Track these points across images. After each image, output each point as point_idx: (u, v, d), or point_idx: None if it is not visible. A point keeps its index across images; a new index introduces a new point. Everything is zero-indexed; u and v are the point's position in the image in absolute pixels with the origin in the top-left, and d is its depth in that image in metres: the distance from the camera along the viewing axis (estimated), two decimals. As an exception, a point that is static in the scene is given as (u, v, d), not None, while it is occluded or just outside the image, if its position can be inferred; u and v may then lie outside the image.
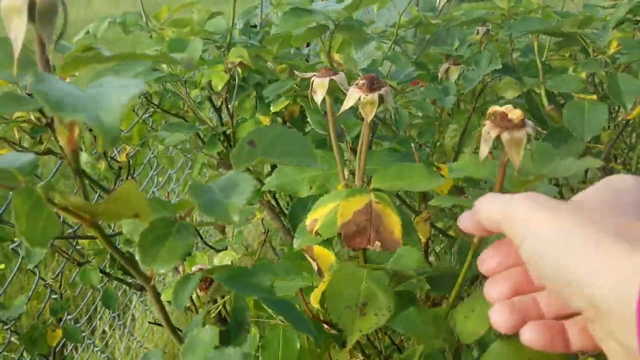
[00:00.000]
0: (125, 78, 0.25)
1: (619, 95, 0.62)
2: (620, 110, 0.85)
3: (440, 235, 1.09)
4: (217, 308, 0.51)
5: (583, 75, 0.71)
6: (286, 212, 1.05)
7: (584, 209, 0.31)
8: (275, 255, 1.48)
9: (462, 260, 0.53)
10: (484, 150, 0.36)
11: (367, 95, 0.47)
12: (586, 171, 1.22)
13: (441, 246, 1.18)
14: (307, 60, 1.08)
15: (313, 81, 0.51)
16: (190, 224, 0.33)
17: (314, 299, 0.52)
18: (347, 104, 0.48)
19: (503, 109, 0.35)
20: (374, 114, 0.48)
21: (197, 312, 0.50)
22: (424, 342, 0.43)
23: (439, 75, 0.83)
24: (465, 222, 0.37)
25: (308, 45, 1.28)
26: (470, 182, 0.77)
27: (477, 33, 1.05)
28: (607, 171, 0.73)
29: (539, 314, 0.35)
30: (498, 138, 0.35)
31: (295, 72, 0.59)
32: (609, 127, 0.84)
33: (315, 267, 0.53)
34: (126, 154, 0.84)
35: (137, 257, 0.30)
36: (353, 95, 0.48)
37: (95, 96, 0.23)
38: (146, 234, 0.31)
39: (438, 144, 0.88)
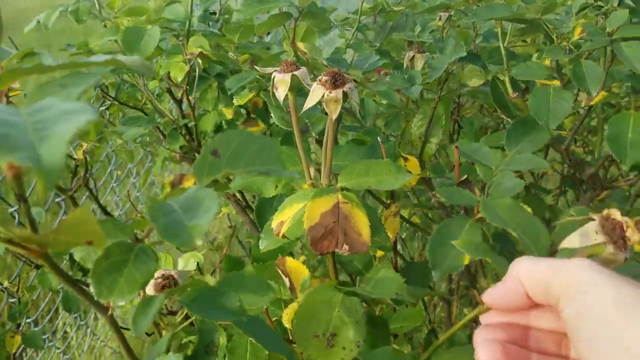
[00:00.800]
0: (72, 101, 0.22)
1: (583, 81, 0.62)
2: (579, 93, 0.86)
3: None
4: (182, 325, 0.48)
5: (547, 62, 0.71)
6: (252, 205, 1.03)
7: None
8: (242, 249, 1.46)
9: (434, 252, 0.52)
10: (573, 242, 0.32)
11: (330, 92, 0.45)
12: (546, 155, 1.24)
13: (405, 234, 1.18)
14: (268, 49, 1.05)
15: (274, 77, 0.49)
16: (150, 248, 0.31)
17: (286, 319, 0.50)
18: (311, 101, 0.47)
19: (623, 220, 0.31)
20: (339, 110, 0.46)
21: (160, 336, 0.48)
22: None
23: (405, 64, 0.82)
24: (494, 295, 0.33)
25: (269, 33, 1.25)
26: (438, 173, 0.76)
27: (439, 19, 1.04)
28: (571, 159, 0.73)
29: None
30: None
31: (255, 66, 0.56)
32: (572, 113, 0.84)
33: (288, 283, 0.51)
34: (83, 151, 0.80)
35: (91, 289, 0.27)
36: (316, 92, 0.46)
37: (35, 126, 0.20)
38: (101, 262, 0.29)
39: (404, 133, 0.87)
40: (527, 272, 0.32)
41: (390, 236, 0.59)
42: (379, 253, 0.64)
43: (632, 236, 0.30)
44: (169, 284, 0.54)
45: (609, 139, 0.61)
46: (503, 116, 0.78)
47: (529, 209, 0.54)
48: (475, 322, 0.38)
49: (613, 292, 0.28)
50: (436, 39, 1.07)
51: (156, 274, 0.56)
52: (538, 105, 0.63)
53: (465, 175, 0.54)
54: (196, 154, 0.98)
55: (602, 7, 0.65)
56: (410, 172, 0.56)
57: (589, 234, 0.31)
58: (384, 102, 0.91)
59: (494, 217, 0.45)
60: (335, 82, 0.45)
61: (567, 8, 0.81)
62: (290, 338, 0.55)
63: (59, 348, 1.49)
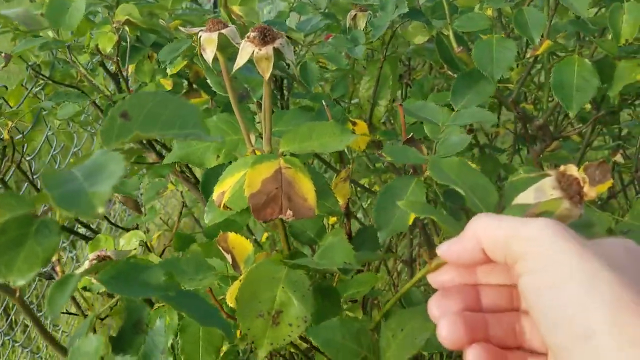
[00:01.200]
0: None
1: (525, 29, 0.61)
2: (528, 47, 0.85)
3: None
4: (112, 308, 0.45)
5: (489, 12, 0.69)
6: (203, 180, 0.99)
7: (608, 257, 0.27)
8: (200, 227, 1.42)
9: (379, 213, 0.50)
10: (527, 198, 0.30)
11: (260, 49, 0.42)
12: (499, 115, 1.24)
13: (368, 202, 1.17)
14: (214, 5, 1.00)
15: (200, 37, 0.45)
16: (53, 221, 0.28)
17: (230, 298, 0.48)
18: (240, 60, 0.43)
19: (579, 176, 0.30)
20: (271, 69, 0.43)
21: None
22: (340, 360, 0.39)
23: (347, 24, 0.79)
24: (450, 251, 0.32)
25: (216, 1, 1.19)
26: (388, 136, 0.74)
27: (385, -22, 1.01)
28: (519, 111, 0.73)
29: (486, 336, 0.32)
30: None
31: (180, 28, 0.52)
32: (517, 65, 0.83)
33: (230, 260, 0.49)
34: (8, 131, 0.75)
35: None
36: (246, 50, 0.43)
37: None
38: (-2, 239, 0.25)
39: (353, 97, 0.84)
40: (486, 230, 0.30)
41: (341, 202, 0.57)
42: (332, 220, 0.63)
43: (588, 192, 0.30)
44: (102, 258, 0.51)
45: (555, 86, 0.61)
46: (449, 72, 0.77)
47: (482, 168, 0.53)
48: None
49: (576, 269, 0.26)
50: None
51: (91, 255, 0.52)
52: (481, 55, 0.61)
53: (412, 134, 0.53)
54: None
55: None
56: (355, 132, 0.53)
57: (545, 190, 0.30)
58: (334, 67, 0.88)
59: (441, 175, 0.43)
60: (265, 37, 0.42)
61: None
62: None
63: (17, 342, 1.43)
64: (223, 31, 0.44)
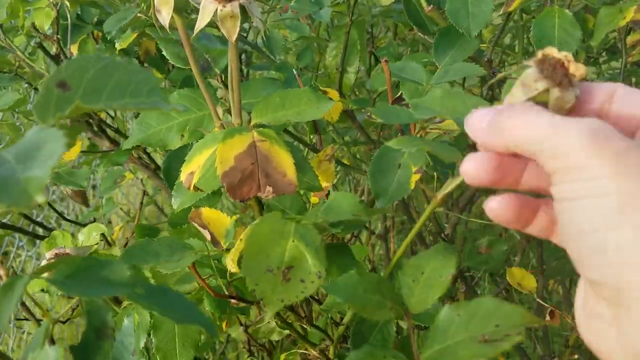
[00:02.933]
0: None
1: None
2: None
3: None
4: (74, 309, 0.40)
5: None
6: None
7: None
8: (165, 216, 1.35)
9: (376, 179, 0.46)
10: (516, 97, 0.27)
11: (224, 6, 0.37)
12: (464, 79, 1.21)
13: (337, 176, 1.13)
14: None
15: (154, -2, 0.40)
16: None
17: (232, 262, 0.43)
18: (202, 20, 0.38)
19: (562, 56, 0.26)
20: (237, 30, 0.38)
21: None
22: (368, 314, 0.35)
23: (309, -13, 0.74)
24: (479, 128, 0.28)
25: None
26: (361, 104, 0.70)
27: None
28: (494, 71, 0.69)
29: (516, 181, 0.29)
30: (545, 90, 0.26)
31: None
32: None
33: (208, 236, 0.44)
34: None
35: None
36: (208, 8, 0.38)
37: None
38: None
39: (319, 66, 0.79)
40: (519, 131, 0.26)
41: (326, 183, 0.53)
42: (313, 199, 0.58)
43: (576, 71, 0.26)
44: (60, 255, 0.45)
45: (535, 40, 0.57)
46: (420, 34, 0.73)
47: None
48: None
49: (616, 187, 0.23)
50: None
51: (48, 254, 0.47)
52: (456, 11, 0.57)
53: (400, 92, 0.48)
54: (90, 117, 0.86)
55: None
56: (332, 99, 0.49)
57: (529, 84, 0.27)
58: (294, 35, 0.83)
59: (426, 112, 0.40)
60: (229, -8, 0.36)
61: None
62: (234, 293, 0.48)
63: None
64: (179, -12, 0.39)
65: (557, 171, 0.25)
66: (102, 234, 0.56)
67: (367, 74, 1.08)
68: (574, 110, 0.27)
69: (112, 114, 0.97)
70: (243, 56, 0.94)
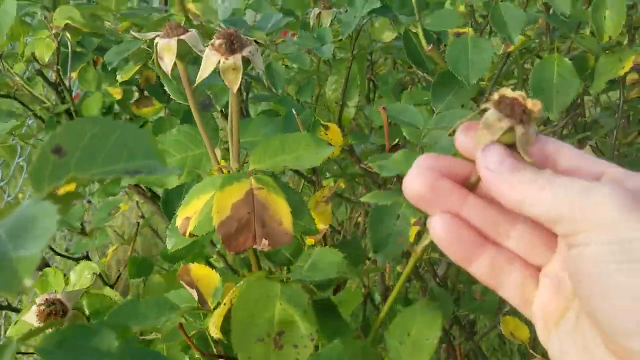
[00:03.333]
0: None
1: (503, 27, 0.57)
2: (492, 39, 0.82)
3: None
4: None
5: (462, 8, 0.65)
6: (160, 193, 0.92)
7: None
8: (159, 238, 1.35)
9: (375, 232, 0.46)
10: (485, 139, 0.27)
11: (227, 58, 0.36)
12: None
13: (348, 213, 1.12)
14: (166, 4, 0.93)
15: (157, 44, 0.39)
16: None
17: (214, 327, 0.42)
18: (204, 71, 0.38)
19: (517, 95, 0.26)
20: (240, 80, 0.38)
21: None
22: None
23: (311, 22, 0.74)
24: (497, 170, 0.26)
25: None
26: (360, 139, 0.70)
27: (344, -29, 0.96)
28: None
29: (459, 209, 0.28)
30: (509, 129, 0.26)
31: (133, 33, 0.46)
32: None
33: (196, 296, 0.43)
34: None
35: None
36: (210, 60, 0.37)
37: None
38: None
39: (319, 99, 0.79)
40: (527, 190, 0.26)
41: (322, 226, 0.52)
42: (309, 241, 0.57)
43: (534, 107, 0.27)
44: (55, 311, 0.45)
45: (534, 87, 0.57)
46: (419, 71, 0.73)
47: None
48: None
49: None
50: (342, -6, 0.99)
51: (38, 299, 0.46)
52: (456, 58, 0.57)
53: (397, 140, 0.48)
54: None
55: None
56: (331, 144, 0.49)
57: (494, 124, 0.27)
58: (295, 66, 0.83)
59: (391, 172, 0.40)
60: (232, 45, 0.36)
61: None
62: (222, 352, 0.47)
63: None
64: (183, 37, 0.39)
65: (581, 231, 0.24)
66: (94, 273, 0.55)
67: (366, 100, 1.09)
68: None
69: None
70: (243, 82, 0.94)
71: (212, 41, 0.37)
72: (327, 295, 0.50)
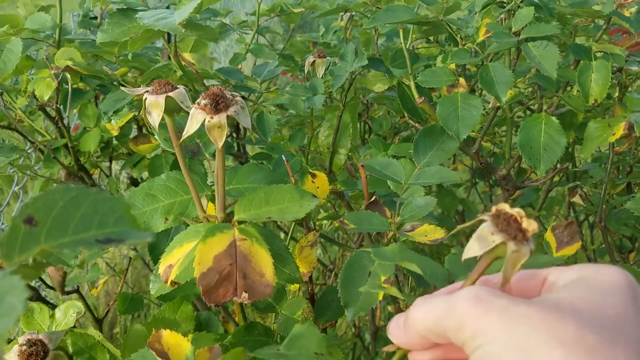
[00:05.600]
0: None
1: (491, 86, 0.59)
2: (485, 93, 0.84)
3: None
4: None
5: (453, 66, 0.67)
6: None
7: (549, 312, 0.25)
8: (149, 270, 1.34)
9: (345, 290, 0.46)
10: (473, 250, 0.28)
11: (212, 117, 0.38)
12: (455, 155, 1.22)
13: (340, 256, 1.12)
14: (169, 57, 0.95)
15: (145, 99, 0.41)
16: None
17: None
18: (190, 128, 0.39)
19: (515, 212, 0.28)
20: (224, 138, 0.39)
21: None
22: None
23: (305, 69, 0.76)
24: (398, 335, 0.31)
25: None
26: (349, 185, 0.71)
27: (341, 19, 0.99)
28: (482, 162, 0.71)
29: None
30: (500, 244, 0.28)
31: (123, 88, 0.48)
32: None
33: None
34: None
35: None
36: (196, 118, 0.39)
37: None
38: None
39: (311, 144, 0.81)
40: (422, 320, 0.29)
41: (305, 270, 0.53)
42: (294, 287, 0.58)
43: (529, 226, 0.27)
44: (35, 352, 0.45)
45: (522, 145, 0.59)
46: (411, 121, 0.75)
47: (440, 202, 0.50)
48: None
49: (506, 341, 0.25)
50: (340, 40, 1.02)
51: (20, 339, 0.46)
52: (447, 114, 0.59)
53: (374, 197, 0.49)
54: (82, 174, 0.86)
55: (506, 4, 0.62)
56: (316, 196, 0.49)
57: (486, 237, 0.27)
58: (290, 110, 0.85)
59: (387, 259, 0.41)
60: (217, 105, 0.38)
61: (470, 6, 0.79)
62: None
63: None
64: (171, 94, 0.40)
65: (465, 343, 0.26)
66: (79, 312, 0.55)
67: (361, 142, 1.10)
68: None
69: (107, 172, 0.98)
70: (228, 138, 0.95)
71: (198, 100, 0.38)
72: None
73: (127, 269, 0.81)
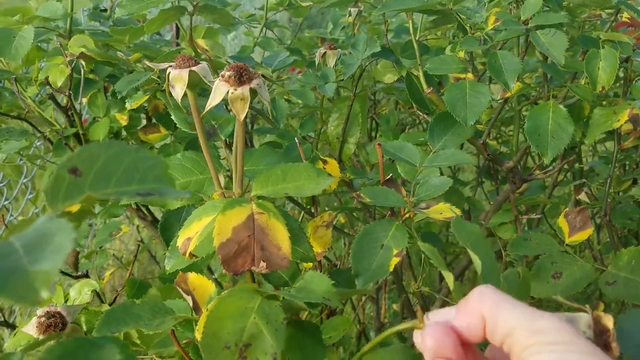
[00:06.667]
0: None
1: (500, 74, 0.60)
2: (491, 85, 0.85)
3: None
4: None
5: (462, 54, 0.68)
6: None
7: None
8: (156, 263, 1.35)
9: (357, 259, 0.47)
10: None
11: (236, 89, 0.39)
12: (461, 147, 1.23)
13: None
14: (177, 45, 0.96)
15: (169, 73, 0.42)
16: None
17: (199, 333, 0.43)
18: (214, 100, 0.40)
19: (611, 327, 0.30)
20: (246, 110, 0.40)
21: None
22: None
23: (316, 61, 0.77)
24: (458, 326, 0.29)
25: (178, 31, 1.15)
26: (358, 174, 0.72)
27: (349, 15, 1.00)
28: (489, 153, 0.72)
29: None
30: None
31: (146, 62, 0.49)
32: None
33: (191, 303, 0.44)
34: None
35: None
36: (220, 90, 0.40)
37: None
38: None
39: (321, 132, 0.82)
40: (496, 311, 0.28)
41: (320, 250, 0.53)
42: (307, 265, 0.59)
43: (614, 349, 0.30)
44: (54, 323, 0.45)
45: (529, 132, 0.60)
46: (419, 112, 0.76)
47: (446, 201, 0.51)
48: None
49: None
50: (348, 36, 1.03)
51: (39, 311, 0.47)
52: (454, 101, 0.60)
53: (390, 174, 0.50)
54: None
55: (515, -5, 0.63)
56: (331, 175, 0.50)
57: (579, 323, 0.30)
58: (299, 102, 0.86)
59: (464, 237, 0.41)
60: (241, 77, 0.38)
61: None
62: None
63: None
64: (194, 68, 0.41)
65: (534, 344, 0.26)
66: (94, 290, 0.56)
67: (368, 138, 1.11)
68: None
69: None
70: (249, 117, 0.97)
71: (222, 72, 0.39)
72: (316, 318, 0.51)
73: (135, 256, 0.82)
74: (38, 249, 0.19)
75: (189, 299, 0.44)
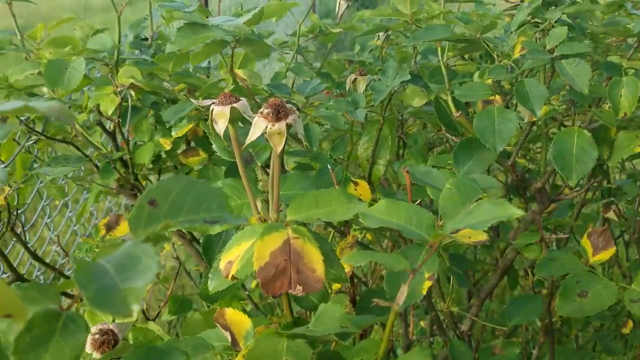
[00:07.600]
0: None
1: (527, 100, 0.62)
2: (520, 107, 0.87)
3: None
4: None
5: (489, 81, 0.71)
6: (197, 235, 0.98)
7: None
8: (190, 280, 1.40)
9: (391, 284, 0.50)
10: None
11: (274, 125, 0.42)
12: (488, 171, 1.24)
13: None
14: (207, 76, 1.01)
15: (212, 110, 0.46)
16: (80, 315, 0.27)
17: None
18: (253, 135, 0.44)
19: None
20: (283, 143, 0.44)
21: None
22: None
23: (347, 86, 0.80)
24: None
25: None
26: (388, 195, 0.74)
27: (377, 38, 1.04)
28: (518, 174, 0.74)
29: None
30: None
31: (192, 100, 0.53)
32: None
33: (229, 337, 0.47)
34: (5, 197, 0.73)
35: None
36: (259, 125, 0.43)
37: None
38: (23, 337, 0.25)
39: (351, 156, 0.85)
40: None
41: (347, 269, 0.56)
42: (335, 286, 0.62)
43: None
44: (107, 340, 0.49)
45: (555, 156, 0.61)
46: (448, 134, 0.78)
47: None
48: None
49: None
50: (375, 58, 1.07)
51: (93, 329, 0.51)
52: (483, 127, 0.62)
53: (419, 200, 0.53)
54: (133, 187, 0.92)
55: (540, 24, 0.65)
56: (361, 200, 0.53)
57: None
58: (328, 123, 0.89)
59: (374, 220, 0.45)
60: (278, 114, 0.42)
61: (505, 25, 0.82)
62: None
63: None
64: (235, 105, 0.45)
65: None
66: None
67: (395, 157, 1.14)
68: None
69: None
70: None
71: (261, 110, 0.43)
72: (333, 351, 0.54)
73: (177, 273, 0.86)
74: (128, 270, 0.23)
75: (227, 334, 0.47)
